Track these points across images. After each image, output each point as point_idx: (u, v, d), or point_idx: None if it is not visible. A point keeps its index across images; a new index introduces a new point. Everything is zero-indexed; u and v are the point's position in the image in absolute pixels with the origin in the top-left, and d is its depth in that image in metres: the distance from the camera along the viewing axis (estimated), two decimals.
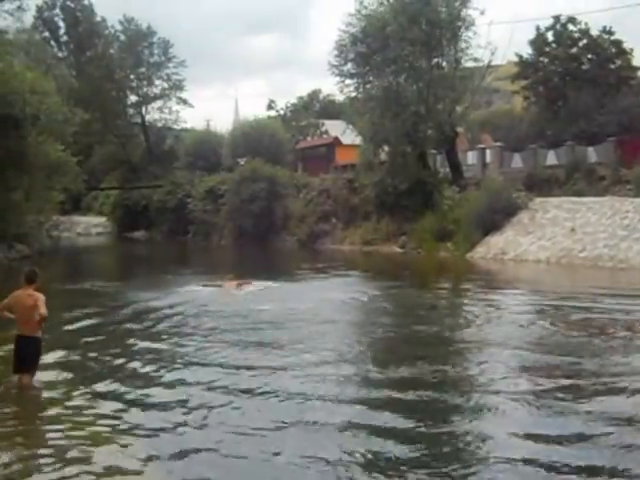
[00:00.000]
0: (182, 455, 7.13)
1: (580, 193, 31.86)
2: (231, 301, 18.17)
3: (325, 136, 64.57)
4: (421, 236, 34.36)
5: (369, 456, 7.04)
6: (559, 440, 7.36)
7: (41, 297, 9.27)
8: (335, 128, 58.29)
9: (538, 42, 45.50)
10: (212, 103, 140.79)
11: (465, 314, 15.98)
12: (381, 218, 38.74)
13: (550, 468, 6.61)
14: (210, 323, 14.76)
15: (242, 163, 52.77)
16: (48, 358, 10.71)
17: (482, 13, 36.74)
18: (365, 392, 9.50)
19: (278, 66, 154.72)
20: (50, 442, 7.59)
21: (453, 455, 7.10)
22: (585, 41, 44.92)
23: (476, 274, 25.44)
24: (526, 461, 6.76)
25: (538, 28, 45.38)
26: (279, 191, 47.22)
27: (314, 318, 15.26)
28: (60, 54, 71.58)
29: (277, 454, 7.08)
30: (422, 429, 7.85)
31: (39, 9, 69.86)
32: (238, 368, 10.74)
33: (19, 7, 31.19)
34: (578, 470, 6.56)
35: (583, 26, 44.95)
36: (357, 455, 7.05)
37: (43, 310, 9.07)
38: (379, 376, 10.35)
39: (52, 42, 72.31)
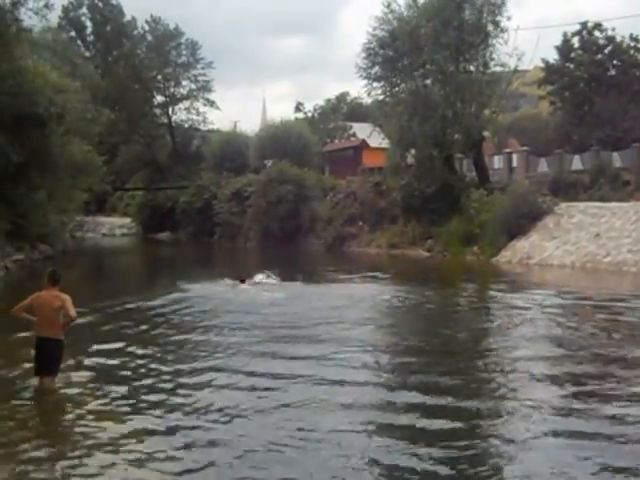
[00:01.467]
0: (207, 460, 7.21)
1: (605, 198, 32.45)
2: (248, 299, 18.80)
3: (352, 139, 65.09)
4: (447, 240, 34.92)
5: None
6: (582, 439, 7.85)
7: (68, 298, 9.27)
8: (362, 131, 58.87)
9: (564, 48, 46.11)
10: (238, 104, 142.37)
11: (494, 317, 16.52)
12: (408, 221, 39.37)
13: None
14: (237, 322, 15.22)
15: (269, 165, 53.63)
16: (72, 360, 10.96)
17: (509, 19, 37.49)
18: (390, 395, 9.82)
19: (305, 68, 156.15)
20: (68, 447, 7.60)
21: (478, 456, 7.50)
22: (611, 47, 45.45)
23: (503, 278, 26.04)
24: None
25: (565, 34, 46.05)
26: (306, 193, 48.03)
27: (341, 319, 15.71)
28: (87, 53, 72.84)
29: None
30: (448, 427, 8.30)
31: (65, 9, 71.28)
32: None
33: (45, 5, 31.67)
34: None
35: (609, 33, 45.56)
36: (385, 450, 7.57)
37: (72, 312, 9.15)
38: (404, 379, 10.73)
39: (78, 42, 73.67)
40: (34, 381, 9.55)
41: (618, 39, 45.45)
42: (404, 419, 8.60)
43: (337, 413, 8.86)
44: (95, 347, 12.59)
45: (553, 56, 47.14)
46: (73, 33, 73.15)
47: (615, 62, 45.75)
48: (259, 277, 22.47)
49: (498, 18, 37.59)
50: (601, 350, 12.30)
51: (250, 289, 20.67)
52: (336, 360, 11.66)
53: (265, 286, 21.11)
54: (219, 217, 54.41)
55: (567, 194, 34.61)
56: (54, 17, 57.55)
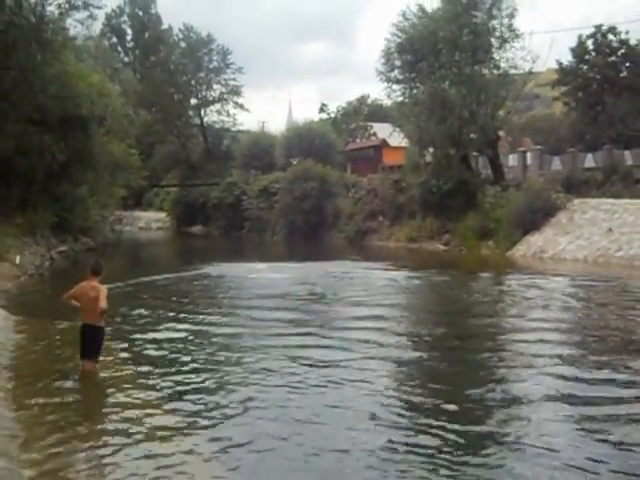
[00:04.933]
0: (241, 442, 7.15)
1: (617, 195, 31.79)
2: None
3: (373, 138, 64.73)
4: (463, 234, 34.64)
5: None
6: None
7: (103, 289, 9.36)
8: (383, 131, 58.56)
9: (579, 50, 45.39)
10: (266, 106, 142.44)
11: (511, 303, 16.79)
12: (426, 217, 39.06)
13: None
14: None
15: (294, 163, 53.61)
16: (115, 344, 11.25)
17: (512, 17, 36.81)
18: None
19: (328, 71, 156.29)
20: (107, 429, 7.61)
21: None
22: (624, 50, 44.71)
23: (518, 270, 25.71)
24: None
25: (580, 37, 45.35)
26: (329, 190, 47.99)
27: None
28: (126, 59, 73.39)
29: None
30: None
31: (108, 17, 71.80)
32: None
33: (89, 16, 32.28)
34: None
35: (623, 36, 44.82)
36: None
37: (103, 303, 9.13)
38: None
39: (119, 48, 74.25)
40: (80, 363, 9.70)
41: (632, 42, 44.66)
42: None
43: None
44: (143, 333, 12.76)
45: (566, 59, 46.55)
46: (115, 39, 73.72)
47: (628, 64, 44.95)
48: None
49: (506, 21, 37.05)
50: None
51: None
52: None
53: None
54: (248, 212, 54.56)
55: (580, 191, 33.95)
56: (97, 25, 58.04)
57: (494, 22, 37.16)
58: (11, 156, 28.45)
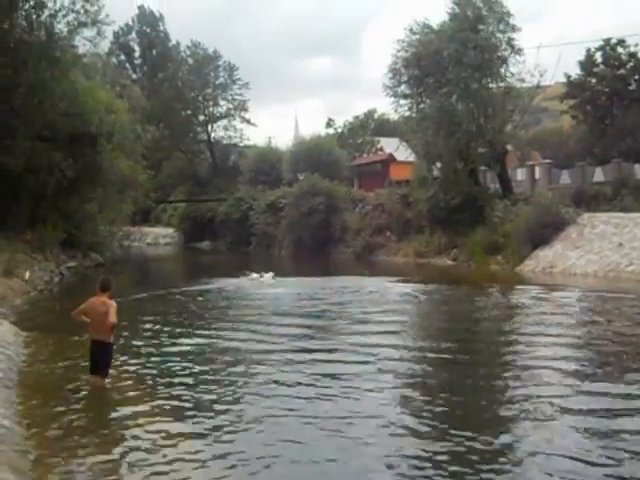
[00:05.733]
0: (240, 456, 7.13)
1: (627, 209, 31.52)
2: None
3: (380, 153, 64.77)
4: (472, 249, 34.44)
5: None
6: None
7: (113, 305, 9.40)
8: (390, 145, 58.41)
9: (587, 63, 45.41)
10: (272, 121, 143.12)
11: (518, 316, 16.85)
12: (433, 232, 38.93)
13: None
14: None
15: (301, 178, 53.70)
16: (124, 358, 11.31)
17: (516, 28, 36.95)
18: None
19: (334, 86, 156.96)
20: (117, 445, 7.53)
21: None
22: (632, 63, 44.69)
23: (527, 284, 25.55)
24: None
25: (588, 50, 45.42)
26: (336, 205, 48.00)
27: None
28: (134, 75, 73.94)
29: None
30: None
31: (116, 34, 72.41)
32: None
33: (98, 33, 32.74)
34: None
35: (632, 49, 44.83)
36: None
37: (113, 318, 9.22)
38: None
39: (127, 65, 74.79)
40: (88, 378, 9.73)
41: None
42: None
43: None
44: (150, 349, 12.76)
45: (574, 72, 46.52)
46: (123, 56, 74.30)
47: (637, 77, 44.85)
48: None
49: (510, 34, 37.11)
50: None
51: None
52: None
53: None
54: (255, 227, 54.69)
55: (589, 205, 33.72)
56: (106, 42, 58.37)
57: (500, 36, 37.28)
58: (21, 172, 28.71)
